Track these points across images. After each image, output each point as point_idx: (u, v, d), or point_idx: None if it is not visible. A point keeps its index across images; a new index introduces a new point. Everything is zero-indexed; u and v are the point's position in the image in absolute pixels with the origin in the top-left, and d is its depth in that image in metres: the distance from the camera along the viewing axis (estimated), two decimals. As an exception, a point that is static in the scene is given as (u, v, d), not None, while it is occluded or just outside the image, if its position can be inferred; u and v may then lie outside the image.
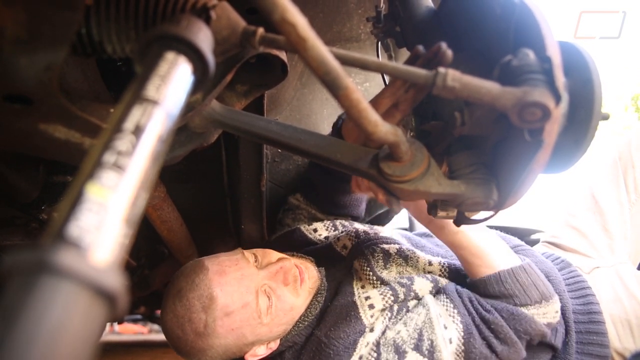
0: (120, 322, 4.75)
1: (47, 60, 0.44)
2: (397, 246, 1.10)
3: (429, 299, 1.00)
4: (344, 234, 1.16)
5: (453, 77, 0.46)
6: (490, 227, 1.29)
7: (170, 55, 0.37)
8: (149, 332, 7.49)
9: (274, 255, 1.05)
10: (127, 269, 1.59)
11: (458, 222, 0.75)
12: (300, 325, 1.02)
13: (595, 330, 1.06)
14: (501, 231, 1.25)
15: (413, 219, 2.31)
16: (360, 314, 0.97)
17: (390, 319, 0.97)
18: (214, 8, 0.48)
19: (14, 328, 0.20)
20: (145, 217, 1.13)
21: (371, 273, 1.04)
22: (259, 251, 1.05)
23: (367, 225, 1.26)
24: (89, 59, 0.62)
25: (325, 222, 1.25)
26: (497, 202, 0.62)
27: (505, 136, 0.60)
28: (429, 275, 1.06)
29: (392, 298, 0.99)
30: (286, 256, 1.07)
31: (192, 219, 1.38)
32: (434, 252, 1.17)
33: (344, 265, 1.11)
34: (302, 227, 1.23)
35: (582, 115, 0.55)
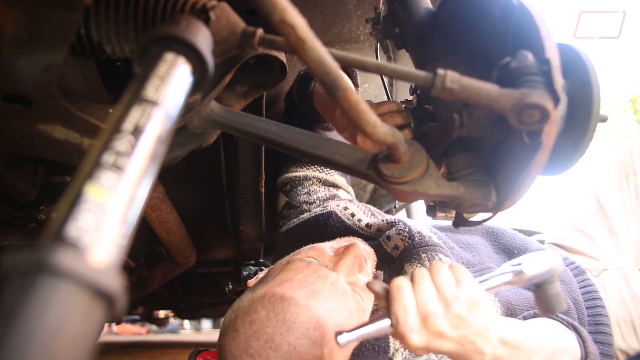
0: (118, 323, 4.75)
1: (47, 61, 0.44)
2: (450, 261, 0.99)
3: None
4: (394, 232, 1.04)
5: (452, 79, 0.46)
6: (492, 228, 1.28)
7: (169, 56, 0.37)
8: (147, 333, 7.49)
9: (328, 248, 0.91)
10: (125, 269, 1.59)
11: (457, 224, 0.75)
12: None
13: (602, 340, 1.05)
14: None
15: (412, 212, 2.28)
16: (389, 341, 0.89)
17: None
18: (214, 9, 0.48)
19: (14, 328, 0.20)
20: (144, 218, 1.13)
21: None
22: (311, 252, 0.90)
23: (409, 220, 1.12)
24: (88, 59, 0.62)
25: (357, 204, 1.14)
26: (495, 204, 0.62)
27: (504, 138, 0.60)
28: None
29: None
30: (344, 244, 0.92)
31: (191, 219, 1.38)
32: (468, 264, 1.08)
33: (394, 269, 1.01)
34: (337, 212, 1.11)
35: (581, 117, 0.55)
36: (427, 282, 0.65)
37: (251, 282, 0.95)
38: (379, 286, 0.66)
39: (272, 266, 0.96)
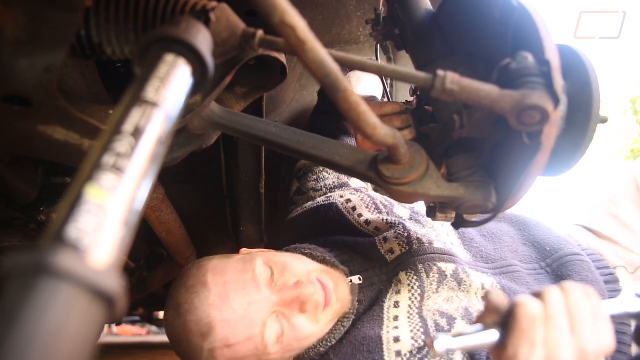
0: (118, 324, 4.75)
1: (47, 62, 0.44)
2: (454, 266, 0.94)
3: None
4: (392, 234, 0.99)
5: (452, 79, 0.46)
6: (523, 217, 1.16)
7: (169, 57, 0.37)
8: (147, 334, 7.48)
9: (295, 272, 0.88)
10: (125, 270, 1.59)
11: (457, 225, 0.75)
12: (319, 346, 0.90)
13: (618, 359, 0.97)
14: None
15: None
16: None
17: None
18: (214, 10, 0.48)
19: (13, 329, 0.20)
20: (144, 219, 1.13)
21: (419, 298, 0.90)
22: (277, 265, 0.88)
23: (415, 220, 1.08)
24: (88, 60, 0.62)
25: (362, 196, 1.09)
26: (495, 205, 0.62)
27: (503, 139, 0.60)
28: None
29: (423, 344, 0.86)
30: (311, 273, 0.89)
31: (190, 220, 1.38)
32: (488, 259, 1.02)
33: (386, 272, 0.97)
34: (339, 204, 1.07)
35: (581, 118, 0.55)
36: (563, 323, 0.57)
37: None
38: (498, 298, 0.59)
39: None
